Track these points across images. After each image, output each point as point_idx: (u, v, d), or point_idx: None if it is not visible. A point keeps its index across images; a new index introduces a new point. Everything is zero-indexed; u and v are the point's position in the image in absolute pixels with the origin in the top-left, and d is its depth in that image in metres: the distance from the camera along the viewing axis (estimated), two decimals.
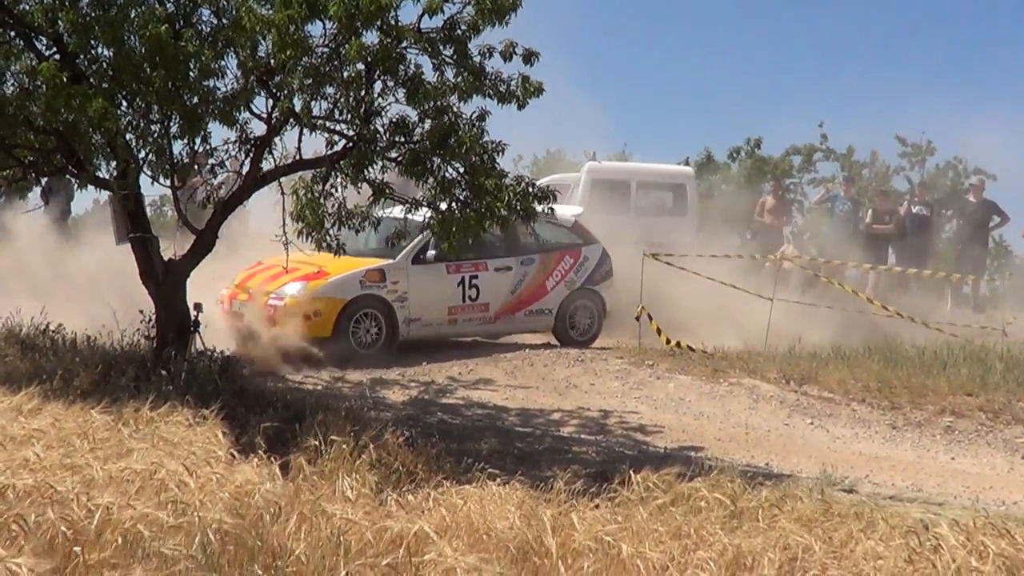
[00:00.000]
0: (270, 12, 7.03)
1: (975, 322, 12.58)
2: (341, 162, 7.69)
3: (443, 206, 7.68)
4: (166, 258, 8.18)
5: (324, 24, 7.22)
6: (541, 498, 5.07)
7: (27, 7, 7.27)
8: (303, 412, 7.07)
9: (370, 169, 7.68)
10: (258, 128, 7.82)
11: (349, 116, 7.51)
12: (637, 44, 35.47)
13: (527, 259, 11.58)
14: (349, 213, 7.87)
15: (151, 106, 7.35)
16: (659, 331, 11.52)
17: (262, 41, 7.17)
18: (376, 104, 7.48)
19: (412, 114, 7.56)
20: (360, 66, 7.32)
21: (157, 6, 7.23)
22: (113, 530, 4.19)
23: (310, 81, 7.25)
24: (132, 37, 7.03)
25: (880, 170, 19.21)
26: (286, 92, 7.36)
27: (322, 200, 7.68)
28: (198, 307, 8.29)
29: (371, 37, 7.18)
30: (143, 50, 6.99)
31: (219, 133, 7.71)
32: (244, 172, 8.03)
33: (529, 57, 7.45)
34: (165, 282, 8.07)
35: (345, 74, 7.31)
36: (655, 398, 9.69)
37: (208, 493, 4.63)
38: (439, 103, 7.42)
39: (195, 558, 4.13)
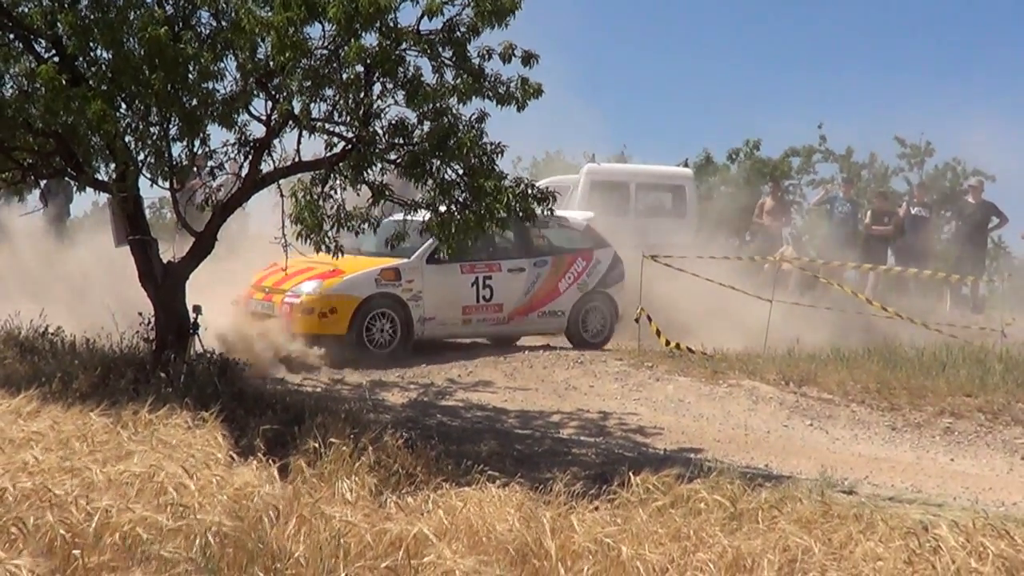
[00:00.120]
0: (269, 14, 7.03)
1: (974, 323, 12.60)
2: (340, 164, 7.69)
3: (442, 208, 7.69)
4: (165, 260, 8.17)
5: (323, 26, 7.22)
6: (540, 500, 5.06)
7: (26, 9, 7.26)
8: (302, 414, 7.06)
9: (369, 171, 7.68)
10: (257, 130, 7.83)
11: (348, 118, 7.51)
12: (636, 46, 35.50)
13: (540, 261, 11.70)
14: (348, 215, 7.87)
15: (150, 108, 7.34)
16: (658, 333, 11.53)
17: (261, 43, 7.17)
18: (375, 106, 7.48)
19: (411, 116, 7.56)
20: (359, 68, 7.32)
21: (156, 8, 7.23)
22: (112, 533, 4.19)
23: (309, 83, 7.25)
24: (131, 39, 7.03)
25: (879, 171, 19.21)
26: (285, 94, 7.36)
27: (321, 202, 7.68)
28: (197, 309, 8.28)
29: (370, 39, 7.19)
30: (142, 52, 6.99)
31: (218, 135, 7.72)
32: (243, 174, 8.03)
33: (528, 59, 7.45)
34: (164, 284, 8.07)
35: (344, 76, 7.31)
36: (654, 400, 9.69)
37: (207, 496, 4.62)
38: (438, 105, 7.43)
39: (194, 561, 4.13)
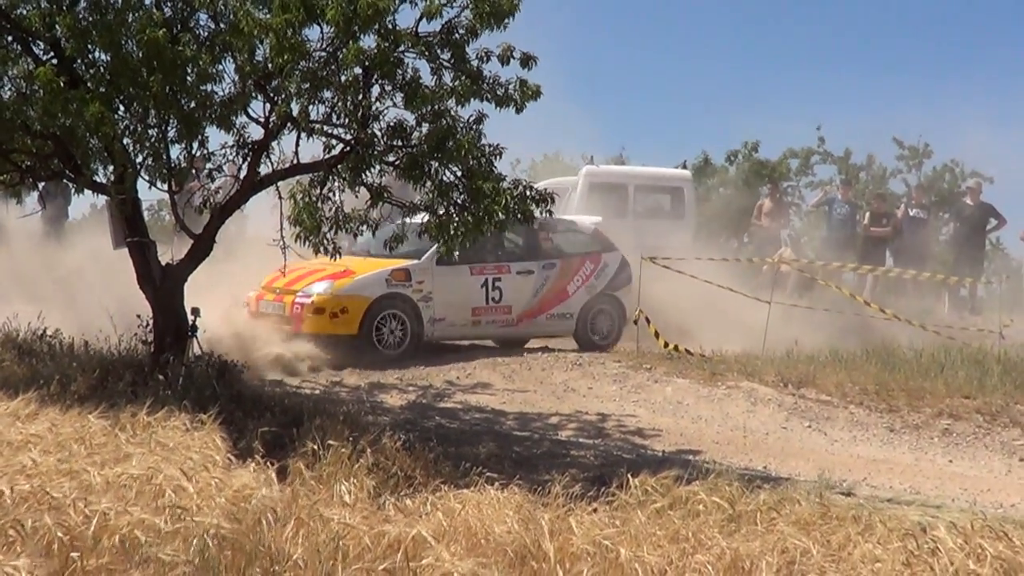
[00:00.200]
0: (268, 16, 7.03)
1: (972, 324, 12.61)
2: (339, 166, 7.69)
3: (441, 210, 7.69)
4: (163, 263, 8.17)
5: (322, 28, 7.23)
6: (539, 502, 5.06)
7: (24, 12, 7.26)
8: (301, 416, 7.06)
9: (368, 173, 7.68)
10: (255, 132, 7.83)
11: (347, 120, 7.52)
12: (635, 48, 35.52)
13: (548, 263, 11.79)
14: (347, 217, 7.87)
15: (148, 110, 7.34)
16: (657, 334, 11.54)
17: (260, 45, 7.17)
18: (374, 108, 7.49)
19: (410, 118, 7.57)
20: (358, 70, 7.32)
21: (154, 11, 7.23)
22: (110, 535, 4.19)
23: (308, 85, 7.25)
24: (129, 42, 7.03)
25: (877, 173, 19.23)
26: (284, 96, 7.36)
27: (320, 204, 7.68)
28: (195, 311, 8.28)
29: (369, 41, 7.19)
30: (140, 54, 6.99)
31: (216, 137, 7.73)
32: (241, 176, 8.03)
33: (527, 61, 7.45)
34: (162, 287, 8.06)
35: (343, 78, 7.31)
36: (653, 401, 9.69)
37: (206, 498, 4.62)
38: (437, 107, 7.43)
39: (193, 563, 4.13)
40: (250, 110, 7.66)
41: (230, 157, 7.96)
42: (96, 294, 10.24)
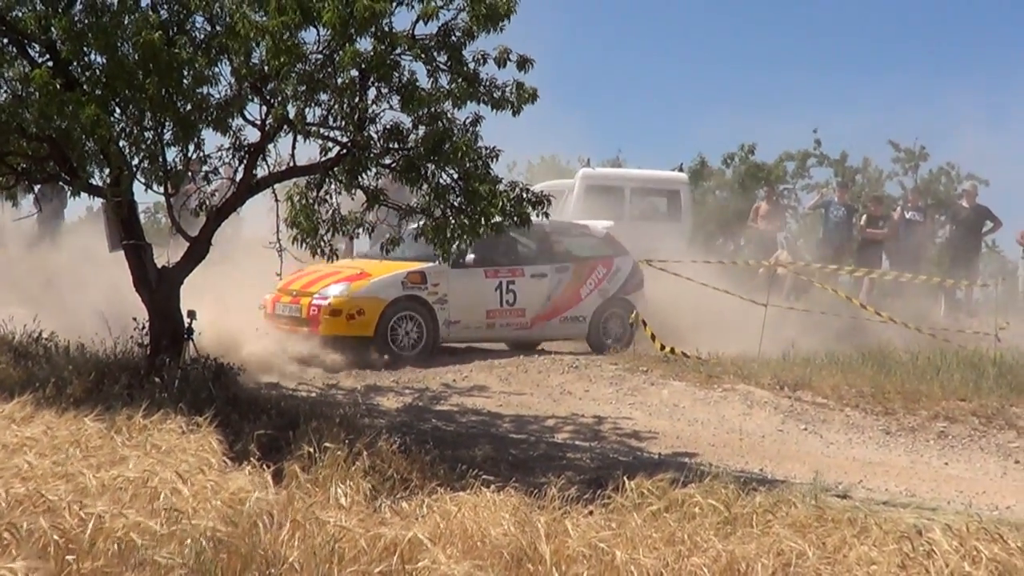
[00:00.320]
0: (264, 19, 7.03)
1: (968, 327, 12.62)
2: (335, 169, 7.69)
3: (437, 212, 7.69)
4: (159, 265, 8.16)
5: (318, 31, 7.23)
6: (535, 505, 5.06)
7: (20, 14, 7.26)
8: (297, 419, 7.05)
9: (364, 176, 7.68)
10: (252, 135, 7.83)
11: (343, 123, 7.52)
12: (632, 50, 35.55)
13: (562, 267, 11.88)
14: (343, 219, 7.87)
15: (144, 113, 7.34)
16: (653, 337, 11.55)
17: (256, 48, 7.17)
18: (370, 111, 7.49)
19: (406, 120, 7.57)
20: (354, 73, 7.32)
21: (150, 13, 7.22)
22: (106, 538, 4.18)
23: (304, 88, 7.25)
24: (125, 44, 7.03)
25: (873, 175, 19.27)
26: (280, 99, 7.36)
27: (316, 206, 7.68)
28: (191, 314, 8.27)
29: (365, 44, 7.19)
30: (136, 57, 6.99)
31: (213, 140, 7.72)
32: (238, 179, 8.02)
33: (523, 63, 7.46)
34: (158, 289, 8.06)
35: (339, 81, 7.31)
36: (649, 404, 9.69)
37: (201, 501, 4.61)
38: (433, 109, 7.44)
39: (188, 566, 4.12)
40: (246, 112, 7.66)
41: (226, 160, 7.97)
42: (92, 297, 10.23)
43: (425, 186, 7.61)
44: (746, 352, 11.24)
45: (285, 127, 7.59)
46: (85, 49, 7.12)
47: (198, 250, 8.10)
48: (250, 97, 7.56)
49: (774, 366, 10.63)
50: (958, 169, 18.58)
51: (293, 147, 7.79)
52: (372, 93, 7.47)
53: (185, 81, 7.13)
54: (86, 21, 7.04)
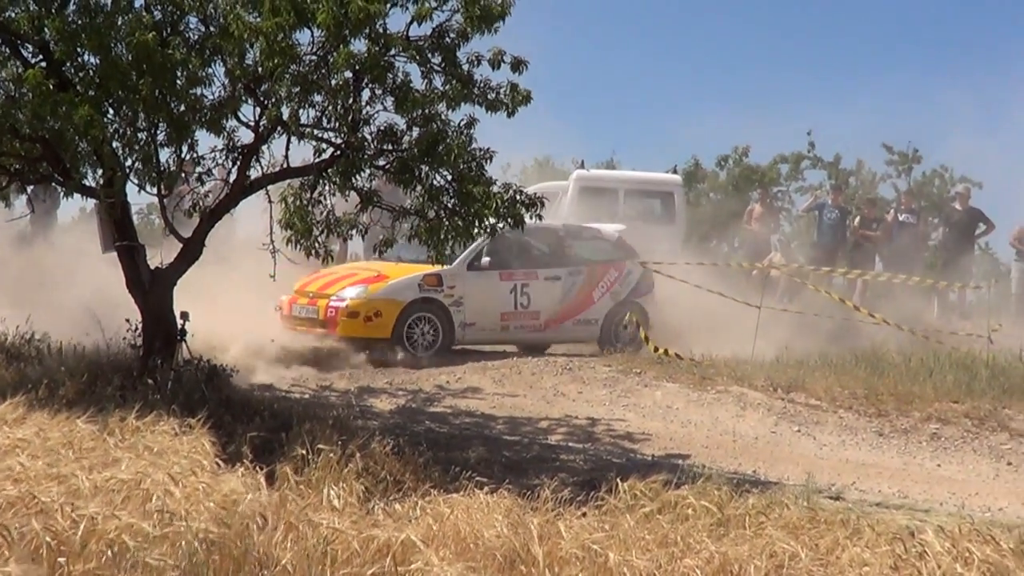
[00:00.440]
0: (258, 20, 7.01)
1: (961, 329, 12.65)
2: (329, 170, 7.68)
3: (431, 214, 7.69)
4: (153, 267, 8.15)
5: (312, 32, 7.22)
6: (528, 506, 5.06)
7: (13, 14, 7.24)
8: (290, 421, 7.04)
9: (358, 177, 7.67)
10: (246, 136, 7.82)
11: (337, 124, 7.51)
12: (626, 52, 35.58)
13: (575, 270, 11.97)
14: (338, 221, 7.87)
15: (138, 114, 7.32)
16: (647, 339, 11.56)
17: (250, 49, 7.15)
18: (364, 112, 7.48)
19: (400, 122, 7.58)
20: (348, 74, 7.32)
21: (144, 14, 7.21)
22: (98, 540, 4.17)
23: (298, 89, 7.24)
24: (119, 45, 7.01)
25: (866, 178, 19.32)
26: (274, 100, 7.35)
27: (310, 208, 7.67)
28: (184, 316, 8.26)
29: (359, 45, 7.18)
30: (130, 58, 6.97)
31: (206, 141, 7.71)
32: (231, 180, 8.01)
33: (517, 65, 7.46)
34: (152, 291, 8.04)
35: (333, 82, 7.31)
36: (643, 406, 9.70)
37: (194, 503, 4.61)
38: (427, 111, 7.44)
39: (181, 568, 4.11)
40: (240, 114, 7.65)
41: (220, 161, 7.95)
42: (85, 298, 10.20)
43: (419, 187, 7.61)
44: (739, 354, 11.26)
45: (279, 128, 7.58)
46: (78, 50, 7.11)
47: (191, 251, 8.09)
48: (244, 98, 7.55)
49: (767, 368, 10.64)
50: (951, 172, 18.68)
51: (287, 148, 7.80)
52: (366, 94, 7.47)
53: (179, 82, 7.12)
54: (79, 22, 7.02)
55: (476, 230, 7.65)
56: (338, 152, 7.62)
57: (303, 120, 7.47)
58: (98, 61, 7.12)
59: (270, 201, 7.96)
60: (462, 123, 7.56)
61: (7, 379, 7.91)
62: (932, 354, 11.22)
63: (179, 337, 8.19)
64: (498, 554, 4.51)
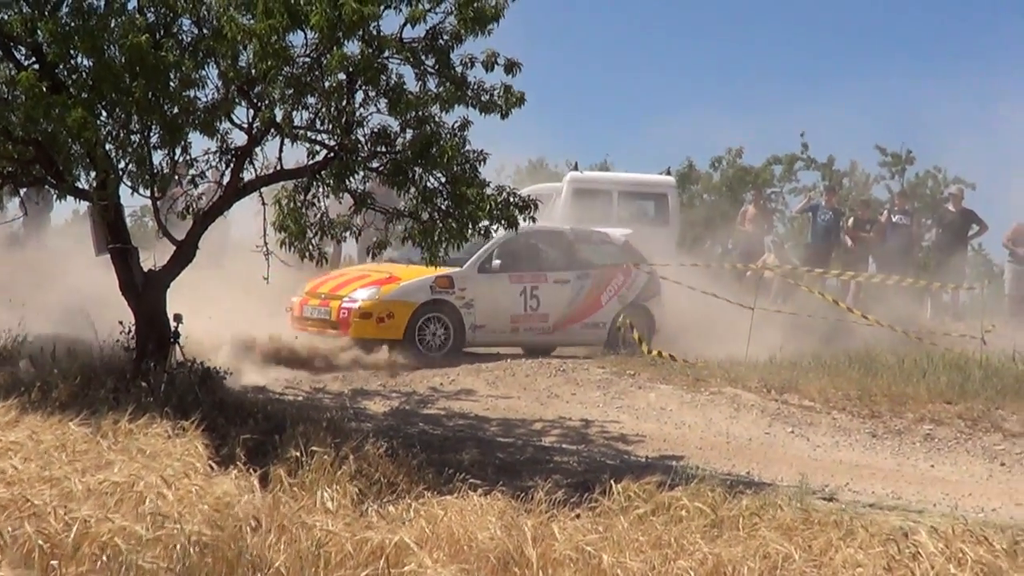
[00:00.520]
0: (251, 22, 7.01)
1: (954, 330, 12.68)
2: (322, 172, 7.67)
3: (425, 216, 7.69)
4: (146, 269, 8.14)
5: (306, 34, 7.22)
6: (522, 508, 5.06)
7: (6, 16, 7.23)
8: (283, 423, 7.03)
9: (351, 179, 7.67)
10: (239, 138, 7.80)
11: (330, 126, 7.51)
12: (620, 54, 35.64)
13: (583, 274, 12.07)
14: (331, 223, 7.86)
15: (131, 116, 7.31)
16: (640, 340, 11.57)
17: (243, 51, 7.16)
18: (358, 114, 7.48)
19: (394, 124, 7.57)
20: (342, 76, 7.31)
21: (137, 16, 7.20)
22: (91, 543, 4.16)
23: (291, 91, 7.24)
24: (112, 47, 7.00)
25: (860, 179, 19.37)
26: (267, 102, 7.35)
27: (304, 210, 7.66)
28: (178, 318, 8.24)
29: (353, 47, 7.19)
30: (123, 60, 6.96)
31: (199, 143, 7.70)
32: (225, 182, 8.00)
33: (511, 67, 7.47)
34: (145, 293, 8.03)
35: (326, 84, 7.31)
36: (636, 407, 9.70)
37: (187, 505, 4.60)
38: (421, 113, 7.44)
39: (174, 571, 4.11)
40: (233, 116, 7.64)
41: (213, 163, 7.93)
42: (78, 300, 10.18)
43: (412, 189, 7.61)
44: (733, 355, 11.27)
45: (272, 130, 7.58)
46: (72, 52, 7.09)
47: (184, 254, 8.07)
48: (237, 100, 7.54)
49: (761, 369, 10.66)
50: (944, 173, 18.73)
51: (280, 150, 7.79)
52: (359, 96, 7.47)
53: (172, 84, 7.11)
54: (72, 24, 7.01)
55: (470, 232, 7.65)
56: (332, 154, 7.62)
57: (296, 122, 7.47)
58: (91, 63, 7.10)
59: (263, 203, 7.95)
60: (456, 125, 7.56)
61: None
62: (925, 355, 11.24)
63: (172, 339, 8.17)
64: (492, 556, 4.51)
